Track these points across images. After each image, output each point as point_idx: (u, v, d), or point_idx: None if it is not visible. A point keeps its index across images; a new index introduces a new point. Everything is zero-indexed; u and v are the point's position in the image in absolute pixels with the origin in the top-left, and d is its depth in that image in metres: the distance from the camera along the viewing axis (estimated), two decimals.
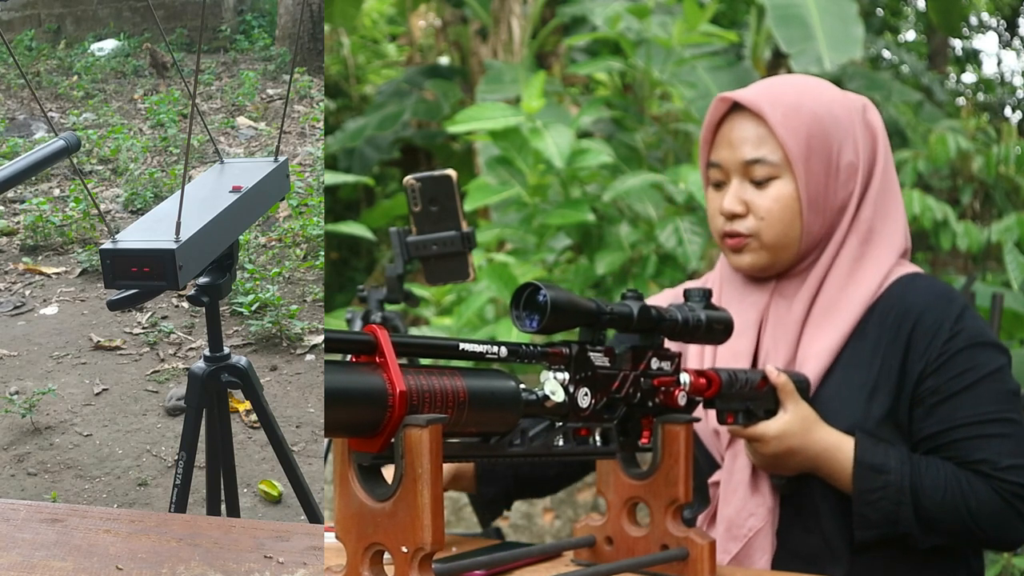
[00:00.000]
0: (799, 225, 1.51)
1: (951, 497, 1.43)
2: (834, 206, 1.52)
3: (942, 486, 1.43)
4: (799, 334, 1.52)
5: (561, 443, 1.16)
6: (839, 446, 1.45)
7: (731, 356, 1.54)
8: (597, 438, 1.21)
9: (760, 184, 1.51)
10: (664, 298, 1.70)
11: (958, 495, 1.43)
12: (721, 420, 1.42)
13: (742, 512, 1.50)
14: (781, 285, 1.56)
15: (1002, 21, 9.76)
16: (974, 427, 1.45)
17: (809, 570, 1.45)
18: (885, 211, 1.55)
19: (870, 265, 1.53)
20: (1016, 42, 9.97)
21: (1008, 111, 9.32)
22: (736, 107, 1.54)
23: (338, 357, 1.00)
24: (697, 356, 1.58)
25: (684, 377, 1.31)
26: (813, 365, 1.50)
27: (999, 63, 11.53)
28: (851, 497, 1.45)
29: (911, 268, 1.57)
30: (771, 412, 1.45)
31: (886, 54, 8.08)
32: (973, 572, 1.55)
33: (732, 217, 1.53)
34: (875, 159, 1.54)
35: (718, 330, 1.33)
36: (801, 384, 1.47)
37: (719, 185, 1.56)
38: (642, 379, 1.26)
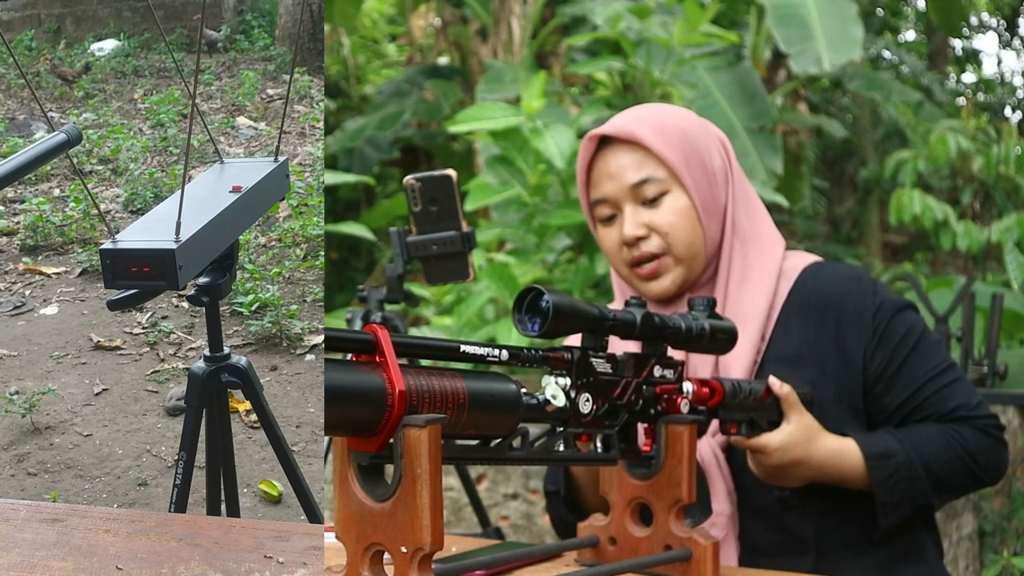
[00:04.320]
0: (701, 232, 1.55)
1: (952, 453, 1.49)
2: (720, 209, 1.57)
3: (941, 446, 1.49)
4: None
5: (561, 448, 1.16)
6: (843, 449, 1.47)
7: None
8: (598, 444, 1.21)
9: (653, 202, 1.54)
10: None
11: (956, 447, 1.49)
12: (724, 430, 1.42)
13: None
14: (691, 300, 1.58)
15: (1002, 21, 9.77)
16: (936, 380, 1.52)
17: (775, 566, 1.46)
18: (751, 212, 1.59)
19: (757, 264, 1.57)
20: (1016, 42, 9.97)
21: (1008, 111, 9.34)
22: (603, 142, 1.57)
23: (338, 356, 1.00)
24: None
25: (687, 386, 1.31)
26: (736, 370, 1.51)
27: (999, 63, 11.54)
28: (870, 491, 1.47)
29: (809, 257, 1.61)
30: (774, 423, 1.45)
31: (886, 54, 8.10)
32: (937, 548, 1.58)
33: (636, 242, 1.55)
34: (730, 164, 1.59)
35: (722, 339, 1.32)
36: (805, 395, 1.47)
37: (609, 220, 1.58)
38: (644, 386, 1.25)
